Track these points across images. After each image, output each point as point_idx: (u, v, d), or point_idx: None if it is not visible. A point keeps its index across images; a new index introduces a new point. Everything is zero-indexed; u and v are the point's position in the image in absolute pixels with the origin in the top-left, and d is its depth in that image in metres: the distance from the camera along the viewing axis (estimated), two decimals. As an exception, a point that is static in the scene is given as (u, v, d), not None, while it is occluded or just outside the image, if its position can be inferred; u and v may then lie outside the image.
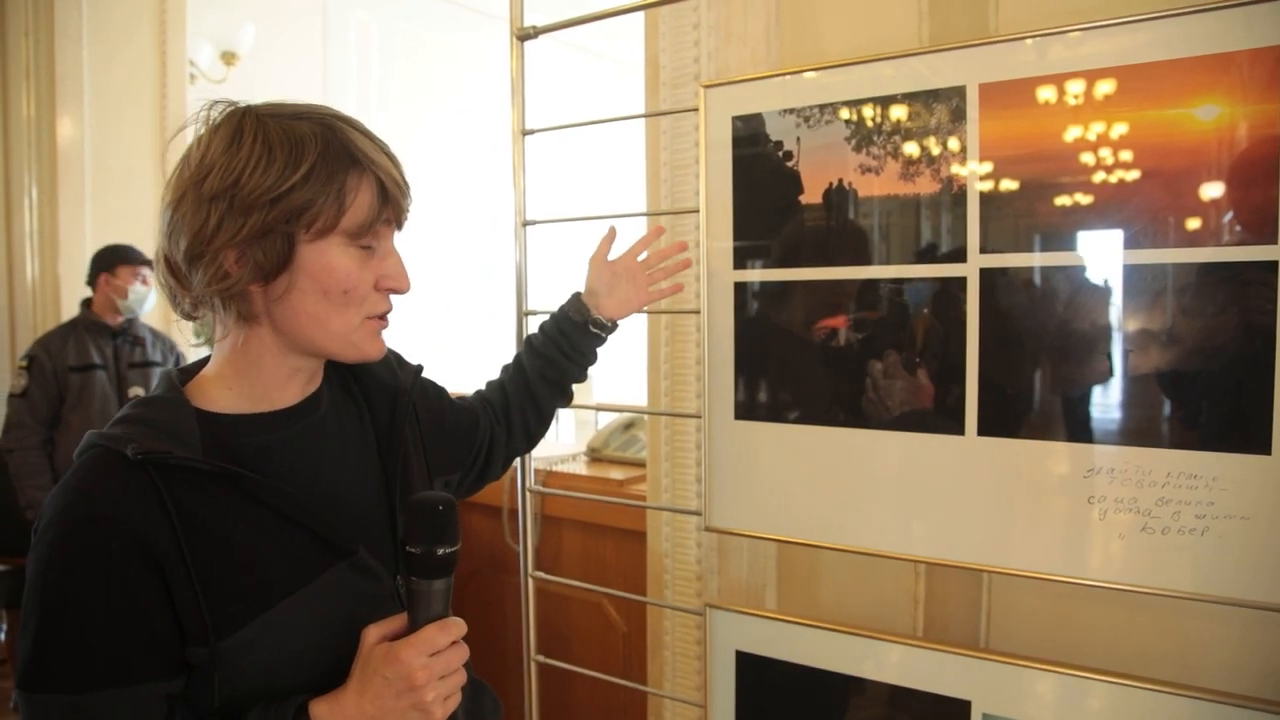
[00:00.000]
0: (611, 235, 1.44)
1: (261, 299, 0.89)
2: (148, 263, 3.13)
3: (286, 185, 0.84)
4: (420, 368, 1.15)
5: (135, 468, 0.82)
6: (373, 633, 0.87)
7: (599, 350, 1.39)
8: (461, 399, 1.30)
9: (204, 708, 0.87)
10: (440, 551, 0.86)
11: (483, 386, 1.38)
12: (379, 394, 1.06)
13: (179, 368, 0.97)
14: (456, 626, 0.88)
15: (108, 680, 0.81)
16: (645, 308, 1.44)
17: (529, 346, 1.38)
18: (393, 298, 0.96)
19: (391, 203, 0.90)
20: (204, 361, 0.97)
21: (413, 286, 0.96)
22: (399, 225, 0.95)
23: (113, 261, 3.15)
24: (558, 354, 1.34)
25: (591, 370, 1.41)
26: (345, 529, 0.93)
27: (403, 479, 1.02)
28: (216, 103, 0.89)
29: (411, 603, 0.87)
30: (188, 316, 0.93)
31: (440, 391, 1.23)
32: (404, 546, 0.87)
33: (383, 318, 0.94)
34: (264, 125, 0.86)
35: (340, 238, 0.87)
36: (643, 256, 1.43)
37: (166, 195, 0.88)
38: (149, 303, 3.19)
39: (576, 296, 1.38)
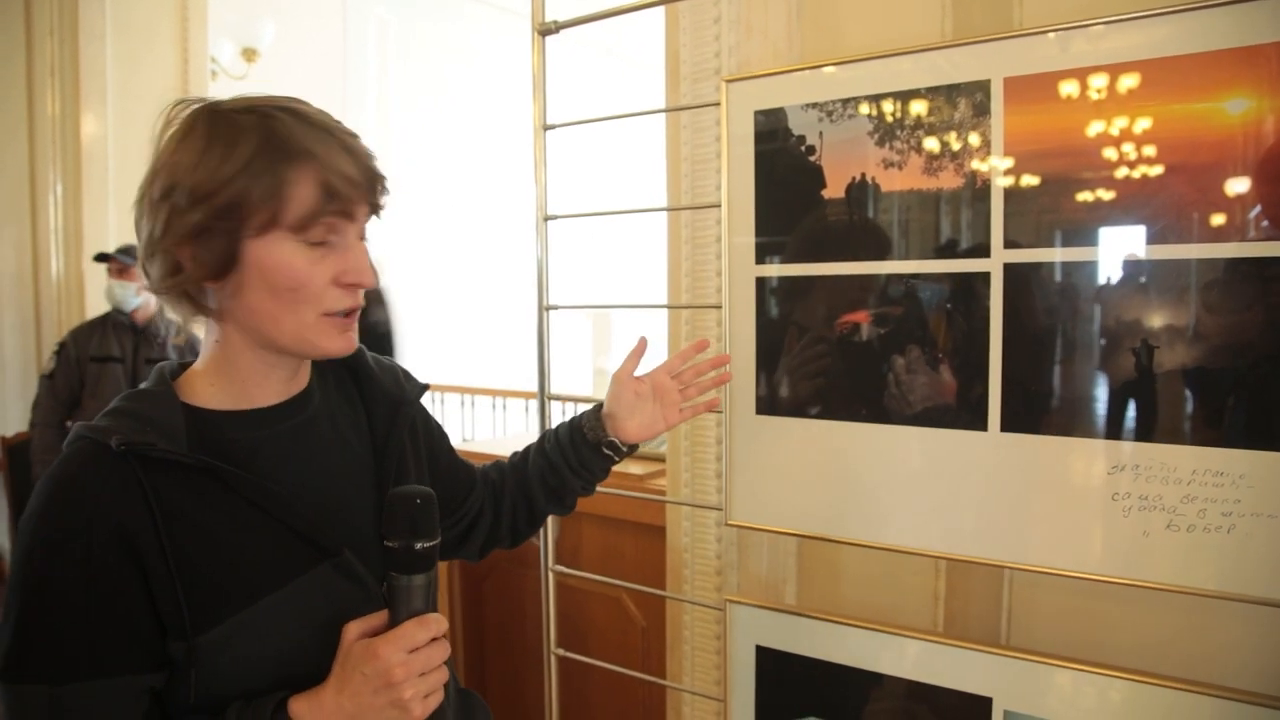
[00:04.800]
0: (640, 349, 1.30)
1: (219, 296, 0.88)
2: (130, 259, 3.28)
3: (217, 181, 0.82)
4: (426, 386, 1.13)
5: (119, 459, 0.82)
6: (353, 629, 0.86)
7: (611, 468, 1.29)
8: (468, 463, 1.26)
9: (183, 703, 0.86)
10: (418, 546, 0.84)
11: (492, 463, 1.32)
12: (381, 401, 1.05)
13: (175, 362, 0.97)
14: (436, 623, 0.86)
15: (86, 671, 0.81)
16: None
17: (540, 445, 1.28)
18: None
19: (338, 196, 0.86)
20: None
21: (377, 280, 0.92)
22: (351, 217, 0.89)
23: (104, 258, 3.35)
24: (563, 465, 1.24)
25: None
26: (331, 530, 0.91)
27: (397, 485, 1.00)
28: (182, 101, 0.89)
29: (391, 599, 0.86)
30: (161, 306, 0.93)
31: (442, 432, 1.21)
32: (382, 540, 0.85)
33: (347, 314, 0.91)
34: (211, 121, 0.85)
35: (284, 233, 0.85)
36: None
37: (135, 197, 0.89)
38: (134, 297, 3.31)
39: (596, 410, 1.27)
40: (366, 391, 1.05)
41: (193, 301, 0.89)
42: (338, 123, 0.90)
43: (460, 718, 1.09)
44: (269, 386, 0.94)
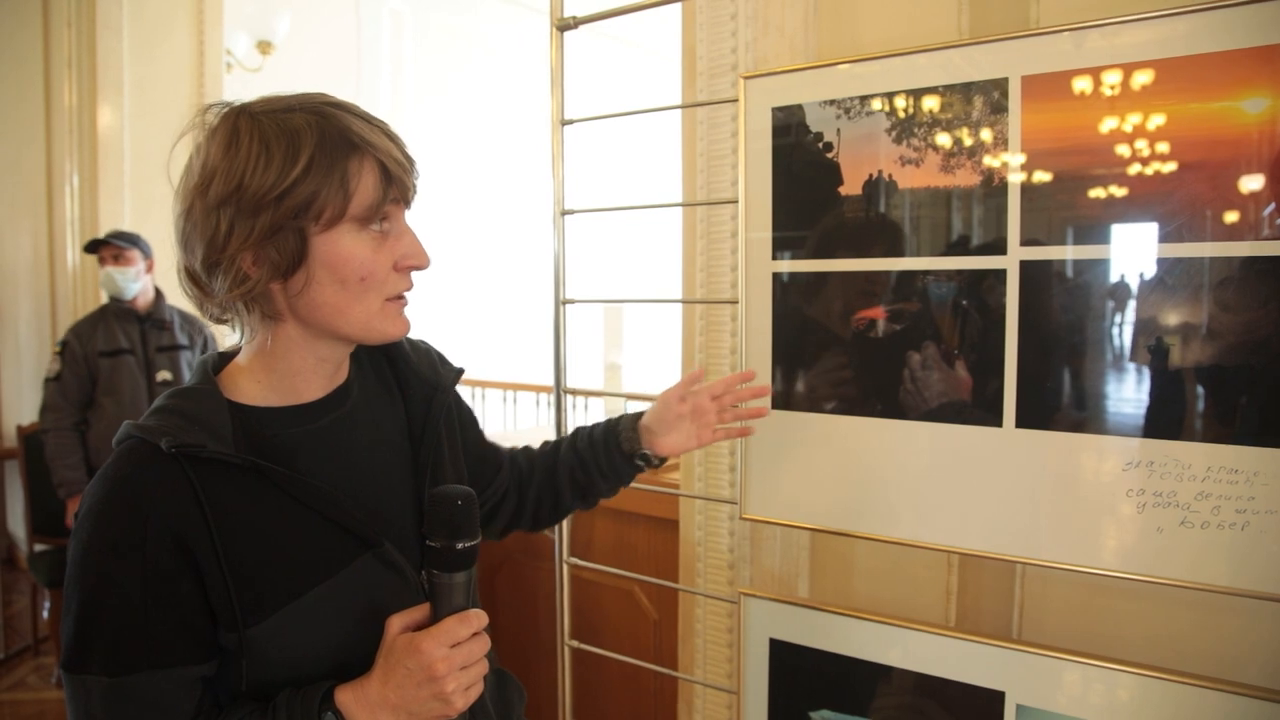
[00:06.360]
0: (697, 376, 1.32)
1: (282, 296, 0.89)
2: (125, 243, 3.15)
3: (289, 181, 0.83)
4: (461, 370, 1.14)
5: (169, 459, 0.84)
6: (396, 622, 0.89)
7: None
8: (497, 445, 1.28)
9: (234, 690, 0.89)
10: (459, 545, 0.87)
11: (521, 447, 1.34)
12: (417, 388, 1.06)
13: (216, 354, 0.98)
14: (477, 618, 0.88)
15: (143, 663, 0.84)
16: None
17: (573, 440, 1.31)
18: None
19: (396, 182, 0.89)
20: (240, 348, 0.98)
21: (433, 262, 0.95)
22: (407, 203, 0.93)
23: (95, 247, 3.21)
24: (593, 465, 1.28)
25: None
26: (371, 522, 0.94)
27: (434, 474, 1.03)
28: (210, 106, 0.89)
29: (433, 595, 0.88)
30: (217, 320, 0.93)
31: (472, 414, 1.23)
32: (424, 540, 0.88)
33: (402, 297, 0.94)
34: (258, 123, 0.85)
35: (350, 225, 0.87)
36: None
37: (176, 206, 0.89)
38: (134, 283, 3.18)
39: (634, 422, 1.29)
40: (403, 379, 1.07)
41: (260, 307, 0.89)
42: (369, 113, 0.92)
43: (495, 695, 1.11)
44: (316, 381, 0.96)
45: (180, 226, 0.88)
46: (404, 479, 1.02)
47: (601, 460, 1.27)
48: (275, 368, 0.94)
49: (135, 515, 0.83)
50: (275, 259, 0.85)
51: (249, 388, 0.94)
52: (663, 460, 1.30)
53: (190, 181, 0.87)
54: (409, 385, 1.06)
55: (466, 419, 1.20)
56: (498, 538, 1.32)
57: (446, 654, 0.85)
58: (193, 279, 0.90)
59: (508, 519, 1.29)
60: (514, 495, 1.28)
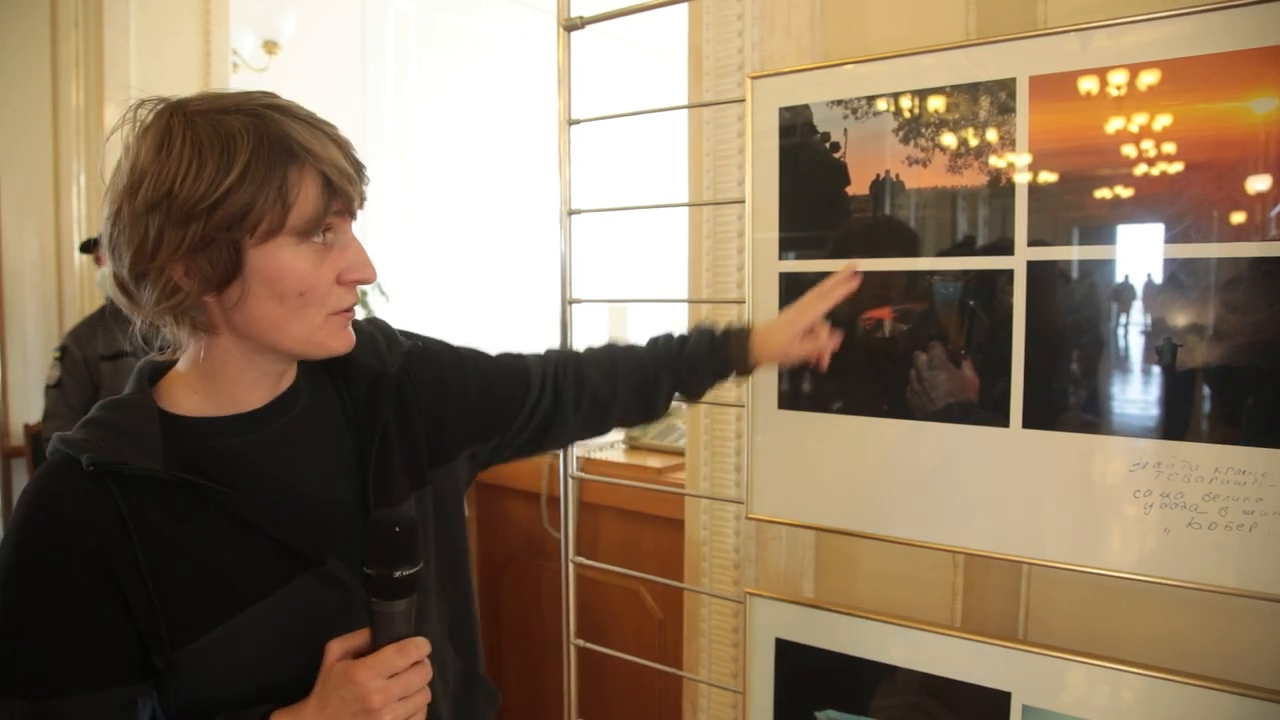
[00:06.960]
0: (842, 283, 1.32)
1: (217, 308, 0.84)
2: None
3: (221, 190, 0.78)
4: (411, 347, 1.06)
5: (93, 476, 0.81)
6: (335, 648, 0.84)
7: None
8: (519, 360, 1.19)
9: (166, 710, 0.87)
10: (398, 574, 0.82)
11: (585, 352, 1.27)
12: (360, 381, 0.99)
13: (153, 362, 0.93)
14: (417, 648, 0.84)
15: (67, 687, 0.81)
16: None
17: (674, 363, 1.26)
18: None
19: (340, 193, 0.84)
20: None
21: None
22: (353, 214, 0.88)
23: (89, 247, 3.11)
24: (693, 388, 1.28)
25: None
26: (313, 538, 0.89)
27: (379, 478, 0.97)
28: (145, 101, 0.83)
29: (373, 623, 0.84)
30: (150, 327, 0.88)
31: (458, 362, 1.12)
32: (361, 567, 0.83)
33: (348, 310, 0.89)
34: (193, 124, 0.79)
35: (289, 237, 0.82)
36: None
37: (105, 208, 0.84)
38: None
39: (744, 345, 1.27)
40: (344, 369, 1.00)
41: (191, 320, 0.85)
42: (316, 115, 0.87)
43: (461, 703, 1.08)
44: (257, 391, 0.91)
45: (108, 230, 0.83)
46: (350, 486, 0.96)
47: (706, 383, 1.29)
48: (211, 378, 0.89)
49: (53, 534, 0.81)
50: (208, 271, 0.81)
51: (186, 398, 0.89)
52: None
53: (119, 183, 0.82)
54: (351, 378, 0.99)
55: (450, 376, 1.10)
56: (564, 445, 1.30)
57: (382, 685, 0.81)
58: (121, 287, 0.85)
59: (576, 433, 1.25)
60: (571, 412, 1.21)
